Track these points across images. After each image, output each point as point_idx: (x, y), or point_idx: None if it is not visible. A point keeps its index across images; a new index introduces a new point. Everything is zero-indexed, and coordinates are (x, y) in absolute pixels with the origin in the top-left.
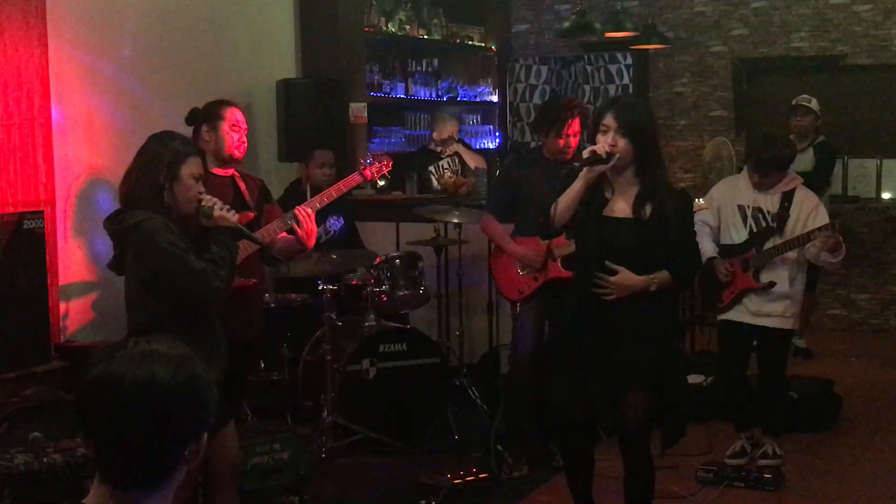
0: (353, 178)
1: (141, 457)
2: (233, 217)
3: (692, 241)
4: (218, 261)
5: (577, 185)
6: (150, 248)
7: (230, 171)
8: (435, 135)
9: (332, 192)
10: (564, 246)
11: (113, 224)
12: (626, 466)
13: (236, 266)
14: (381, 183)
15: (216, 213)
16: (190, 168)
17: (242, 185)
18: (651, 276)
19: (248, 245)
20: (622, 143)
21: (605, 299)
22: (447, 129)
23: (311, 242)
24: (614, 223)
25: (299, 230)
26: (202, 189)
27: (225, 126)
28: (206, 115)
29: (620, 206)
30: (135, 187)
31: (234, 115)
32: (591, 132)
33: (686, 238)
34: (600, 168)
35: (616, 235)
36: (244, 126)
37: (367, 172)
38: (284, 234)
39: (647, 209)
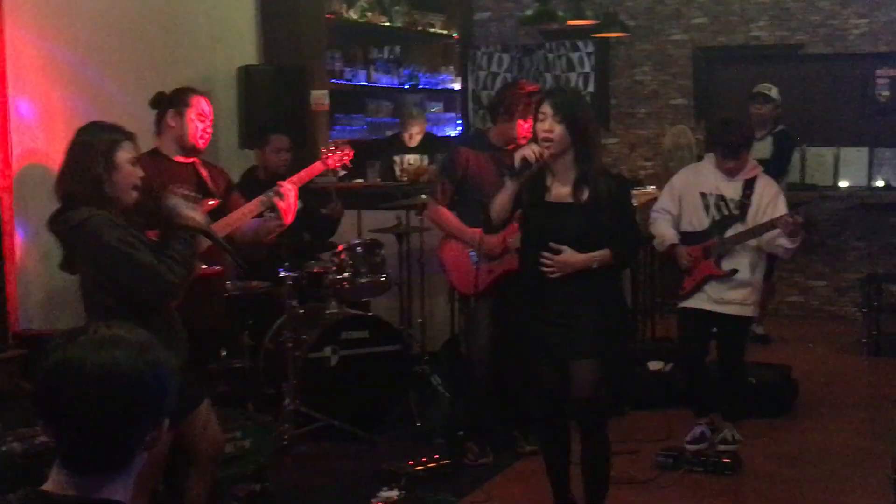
0: (316, 167)
1: (100, 442)
2: (199, 218)
3: (630, 222)
4: (178, 258)
5: (509, 189)
6: (97, 246)
7: (192, 159)
8: (406, 136)
9: (295, 180)
10: (519, 237)
11: (56, 225)
12: (581, 441)
13: (194, 265)
14: (343, 172)
15: (185, 212)
16: (126, 153)
17: (205, 173)
18: (592, 254)
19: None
20: (559, 129)
21: (549, 278)
22: (416, 127)
23: (290, 219)
24: (555, 208)
25: (280, 203)
26: (141, 173)
27: (191, 113)
28: (174, 101)
29: (560, 192)
30: (73, 184)
31: (201, 103)
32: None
33: (623, 219)
34: (530, 172)
35: (557, 219)
36: (210, 117)
37: (330, 161)
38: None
39: (585, 193)
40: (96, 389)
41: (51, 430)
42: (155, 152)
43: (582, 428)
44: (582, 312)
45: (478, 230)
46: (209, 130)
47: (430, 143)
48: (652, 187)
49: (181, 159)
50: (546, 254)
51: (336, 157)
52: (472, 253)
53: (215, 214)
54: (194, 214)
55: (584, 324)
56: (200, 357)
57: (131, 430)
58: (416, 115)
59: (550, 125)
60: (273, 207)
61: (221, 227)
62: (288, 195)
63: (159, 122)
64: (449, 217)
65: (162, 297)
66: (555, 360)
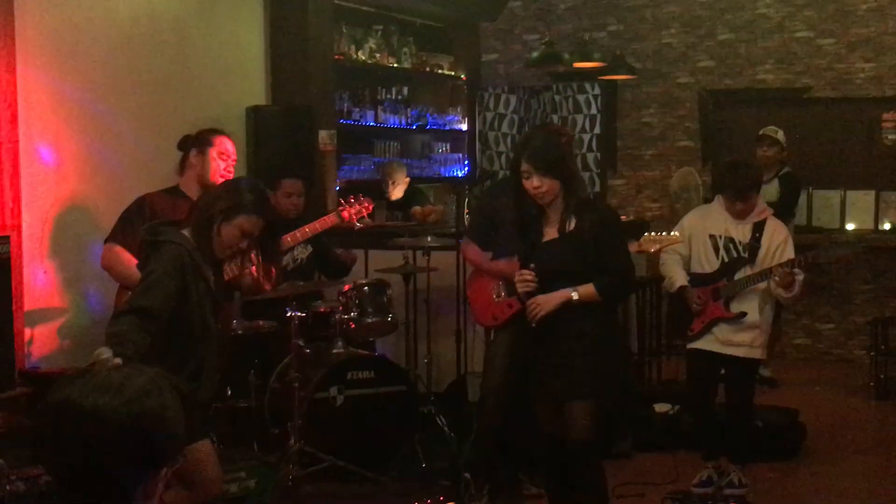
0: (330, 219)
1: (88, 487)
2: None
3: (618, 254)
4: (132, 342)
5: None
6: (149, 265)
7: None
8: (389, 189)
9: (307, 231)
10: None
11: (148, 233)
12: (577, 483)
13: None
14: (360, 226)
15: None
16: (245, 221)
17: None
18: (569, 289)
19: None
20: (546, 181)
21: (538, 318)
22: (398, 183)
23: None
24: (546, 246)
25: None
26: (244, 245)
27: (213, 152)
28: (197, 140)
29: (551, 231)
30: (196, 207)
31: (223, 143)
32: (512, 172)
33: (608, 250)
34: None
35: (547, 256)
36: (233, 157)
37: (346, 214)
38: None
39: (570, 225)
40: (80, 434)
41: (47, 470)
42: (175, 190)
43: (577, 469)
44: (575, 352)
45: (504, 262)
46: (230, 170)
47: (414, 195)
48: (675, 233)
49: None
50: (526, 302)
51: (353, 210)
52: (496, 286)
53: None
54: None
55: (577, 364)
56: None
57: (118, 476)
58: (397, 168)
59: (538, 181)
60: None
61: None
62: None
63: (183, 162)
64: (475, 253)
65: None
66: (553, 402)
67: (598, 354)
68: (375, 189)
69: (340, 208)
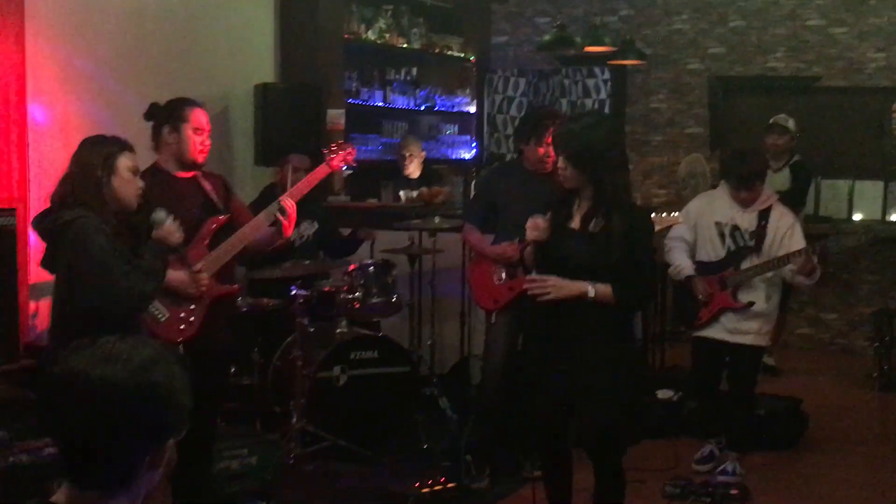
0: (321, 171)
1: (93, 457)
2: (177, 237)
3: (641, 261)
4: (149, 272)
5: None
6: (79, 247)
7: (193, 173)
8: (405, 163)
9: (305, 185)
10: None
11: (43, 223)
12: (595, 477)
13: (163, 279)
14: (348, 171)
15: (167, 225)
16: (126, 161)
17: (207, 186)
18: (588, 283)
19: (228, 250)
20: (569, 168)
21: (541, 300)
22: (414, 158)
23: (290, 232)
24: (570, 235)
25: (283, 219)
26: (141, 184)
27: (188, 129)
28: (169, 115)
29: (577, 220)
30: (75, 185)
31: (198, 117)
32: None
33: (632, 257)
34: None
35: (569, 247)
36: (207, 127)
37: (333, 163)
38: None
39: (596, 223)
40: (87, 404)
41: (52, 440)
42: (155, 168)
43: (595, 468)
44: (587, 355)
45: (500, 246)
46: (207, 143)
47: (432, 174)
48: (676, 213)
49: (182, 174)
50: (535, 276)
51: (339, 158)
52: (496, 269)
53: (226, 229)
54: (174, 232)
55: (589, 368)
56: (212, 378)
57: (124, 447)
58: (412, 142)
59: (563, 162)
60: (275, 221)
61: (237, 243)
62: (291, 211)
63: (156, 136)
64: (475, 237)
65: (129, 309)
66: (557, 401)
67: (610, 358)
68: (386, 169)
69: (329, 158)
